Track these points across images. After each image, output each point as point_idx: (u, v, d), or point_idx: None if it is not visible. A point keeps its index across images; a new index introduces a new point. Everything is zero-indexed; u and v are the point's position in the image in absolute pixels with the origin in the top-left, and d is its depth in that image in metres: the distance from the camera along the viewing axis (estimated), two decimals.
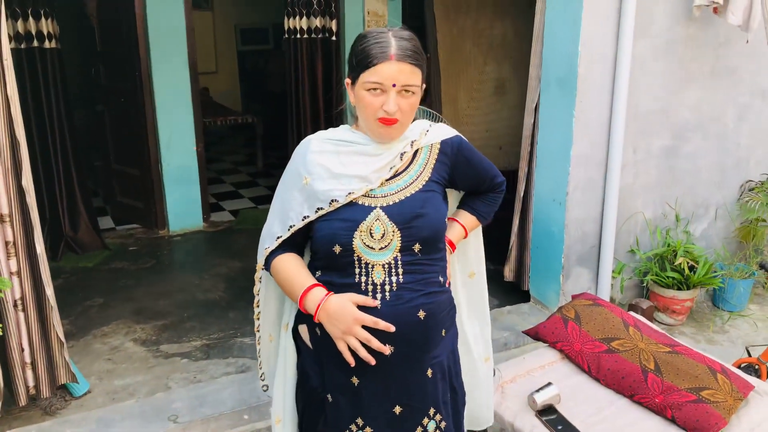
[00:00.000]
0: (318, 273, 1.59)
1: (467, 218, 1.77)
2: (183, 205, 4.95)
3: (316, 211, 1.53)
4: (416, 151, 1.61)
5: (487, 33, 4.78)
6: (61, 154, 4.34)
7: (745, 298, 3.66)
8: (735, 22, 3.09)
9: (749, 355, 2.75)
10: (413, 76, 1.48)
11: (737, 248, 3.86)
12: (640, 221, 3.54)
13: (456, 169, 1.65)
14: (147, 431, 2.63)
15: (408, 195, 1.55)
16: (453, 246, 1.74)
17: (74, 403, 2.87)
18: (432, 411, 1.61)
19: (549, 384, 2.21)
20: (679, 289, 3.43)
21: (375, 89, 1.47)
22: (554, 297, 3.50)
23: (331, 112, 5.00)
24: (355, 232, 1.50)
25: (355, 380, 1.56)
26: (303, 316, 1.64)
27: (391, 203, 1.53)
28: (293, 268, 1.58)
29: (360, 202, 1.53)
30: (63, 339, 2.67)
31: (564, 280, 3.44)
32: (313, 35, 4.83)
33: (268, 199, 5.81)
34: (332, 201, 1.52)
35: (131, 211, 5.12)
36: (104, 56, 4.89)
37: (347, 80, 1.56)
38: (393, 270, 1.52)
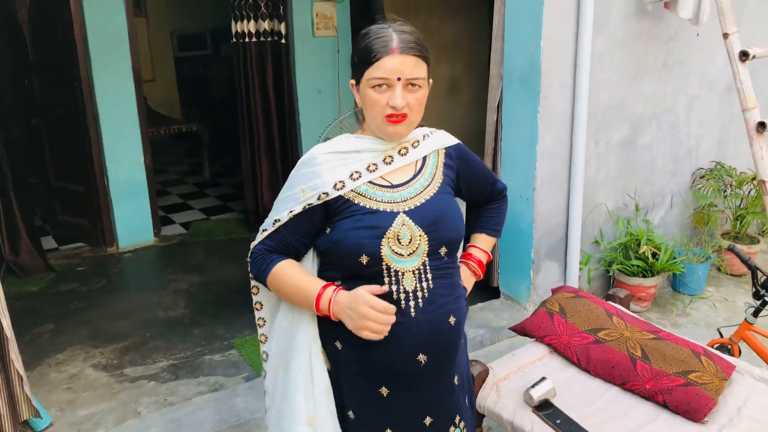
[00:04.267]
0: (338, 283, 1.51)
1: (483, 240, 1.75)
2: (132, 219, 4.74)
3: (304, 208, 1.47)
4: (425, 157, 1.58)
5: (438, 34, 4.79)
6: None
7: (703, 282, 3.80)
8: (686, 15, 3.19)
9: (721, 335, 2.84)
10: (418, 69, 1.44)
11: (692, 233, 4.00)
12: (603, 212, 3.61)
13: (460, 175, 1.64)
14: None
15: (428, 198, 1.51)
16: (483, 270, 1.72)
17: None
18: (457, 419, 1.59)
19: (543, 379, 2.21)
20: (644, 276, 3.52)
21: (380, 85, 1.43)
22: (525, 292, 3.53)
23: (283, 117, 4.90)
24: (383, 240, 1.44)
25: (384, 391, 1.50)
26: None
27: (413, 207, 1.49)
28: (299, 274, 1.50)
29: (382, 209, 1.47)
30: (22, 372, 2.50)
31: (534, 274, 3.47)
32: (262, 38, 4.71)
33: (220, 210, 5.66)
34: (321, 194, 1.46)
35: (75, 229, 4.85)
36: (38, 66, 4.62)
37: (351, 81, 1.51)
38: (423, 276, 1.48)
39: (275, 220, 1.52)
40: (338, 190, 1.47)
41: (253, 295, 1.66)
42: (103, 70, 4.36)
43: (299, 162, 1.55)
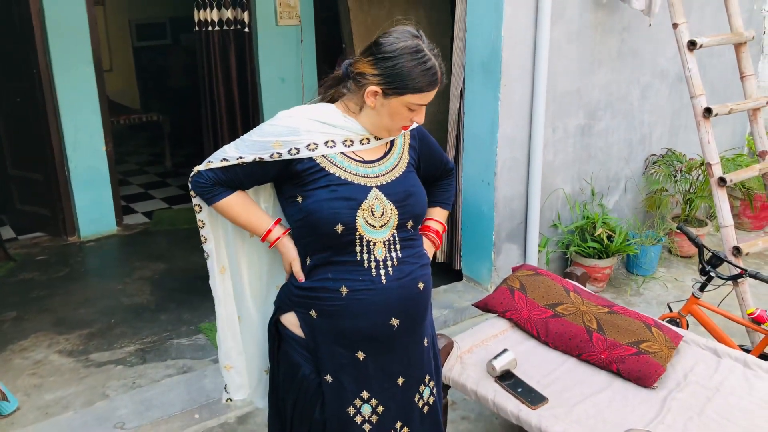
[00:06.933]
0: (309, 259, 1.60)
1: (438, 213, 1.87)
2: (94, 208, 4.68)
3: (271, 157, 1.54)
4: (394, 139, 1.67)
5: (402, 23, 4.85)
6: None
7: (654, 263, 3.97)
8: (639, 6, 3.34)
9: (671, 310, 3.00)
10: None
11: (645, 217, 4.18)
12: (561, 197, 3.75)
13: (421, 154, 1.74)
14: None
15: (397, 176, 1.61)
16: (440, 240, 1.84)
17: (3, 422, 2.67)
18: (427, 378, 1.68)
19: (505, 350, 2.31)
20: (599, 258, 3.67)
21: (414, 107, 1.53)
22: (487, 274, 3.64)
23: (246, 106, 4.90)
24: (358, 211, 1.53)
25: (360, 355, 1.59)
26: (291, 303, 1.63)
27: (384, 183, 1.58)
28: (251, 208, 1.65)
29: (356, 182, 1.56)
30: None
31: (495, 256, 3.58)
32: (225, 27, 4.71)
33: (182, 199, 5.62)
34: (293, 149, 1.53)
35: (35, 219, 4.78)
36: None
37: (376, 89, 1.50)
38: (392, 246, 1.58)
39: (239, 158, 1.57)
40: (311, 150, 1.53)
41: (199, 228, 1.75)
42: (63, 58, 4.30)
43: (280, 115, 1.58)
